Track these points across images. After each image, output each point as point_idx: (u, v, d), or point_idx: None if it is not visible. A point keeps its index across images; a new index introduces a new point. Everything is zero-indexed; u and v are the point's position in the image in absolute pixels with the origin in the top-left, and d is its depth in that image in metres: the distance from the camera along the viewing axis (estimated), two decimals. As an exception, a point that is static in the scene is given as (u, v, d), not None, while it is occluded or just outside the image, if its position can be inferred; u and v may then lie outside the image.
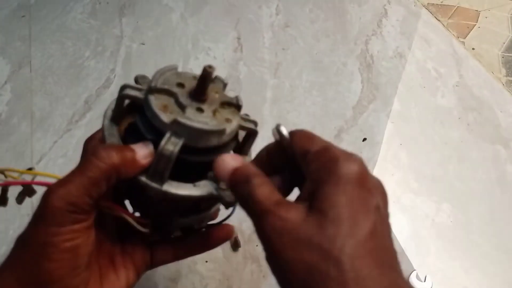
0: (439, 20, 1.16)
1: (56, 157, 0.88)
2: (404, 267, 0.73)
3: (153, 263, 0.38)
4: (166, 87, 0.30)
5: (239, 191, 0.27)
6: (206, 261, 0.67)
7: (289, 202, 0.25)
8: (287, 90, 0.99)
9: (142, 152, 0.28)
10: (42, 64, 1.10)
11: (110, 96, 1.01)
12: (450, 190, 0.80)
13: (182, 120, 0.28)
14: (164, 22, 1.18)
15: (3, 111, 0.99)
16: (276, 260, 0.23)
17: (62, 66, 1.09)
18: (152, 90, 0.30)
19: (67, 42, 1.15)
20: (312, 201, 0.24)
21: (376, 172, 0.83)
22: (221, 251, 0.69)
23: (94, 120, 0.96)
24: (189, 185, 0.30)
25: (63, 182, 0.27)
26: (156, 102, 0.29)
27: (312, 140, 0.28)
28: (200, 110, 0.30)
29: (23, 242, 0.27)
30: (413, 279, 0.69)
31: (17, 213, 0.77)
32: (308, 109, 0.94)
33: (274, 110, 0.95)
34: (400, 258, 0.25)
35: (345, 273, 0.20)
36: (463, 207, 0.78)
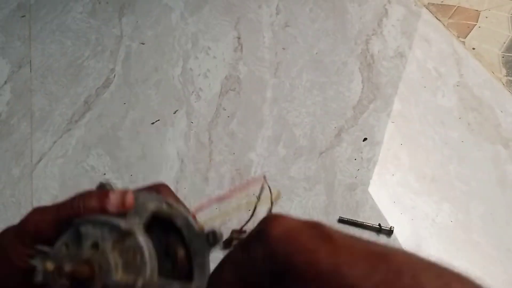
0: (439, 20, 1.16)
1: (56, 157, 0.88)
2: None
3: None
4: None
5: None
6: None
7: None
8: (287, 90, 0.99)
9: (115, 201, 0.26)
10: (41, 64, 1.09)
11: (109, 96, 1.02)
12: (451, 190, 0.80)
13: None
14: (164, 22, 1.18)
15: (3, 111, 0.99)
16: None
17: (62, 66, 1.09)
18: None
19: (66, 41, 1.15)
20: None
21: (377, 172, 0.83)
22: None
23: (94, 120, 0.96)
24: None
25: (48, 208, 0.28)
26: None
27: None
28: None
29: None
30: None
31: (17, 213, 0.77)
32: (308, 109, 0.94)
33: (274, 110, 0.94)
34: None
35: None
36: (463, 207, 0.78)
